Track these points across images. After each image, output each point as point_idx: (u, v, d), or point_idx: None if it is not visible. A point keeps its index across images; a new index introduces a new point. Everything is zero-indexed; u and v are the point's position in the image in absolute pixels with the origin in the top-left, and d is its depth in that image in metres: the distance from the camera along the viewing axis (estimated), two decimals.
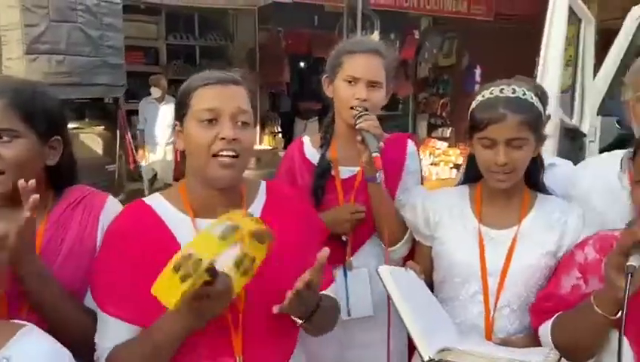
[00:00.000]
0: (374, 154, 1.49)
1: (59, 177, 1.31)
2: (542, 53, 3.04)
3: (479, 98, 1.41)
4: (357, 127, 1.55)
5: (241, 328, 1.19)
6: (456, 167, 9.00)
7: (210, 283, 1.00)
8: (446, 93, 9.30)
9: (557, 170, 2.00)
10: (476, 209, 1.47)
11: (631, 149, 1.61)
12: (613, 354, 1.17)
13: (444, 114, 9.35)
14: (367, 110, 1.58)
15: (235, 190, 1.28)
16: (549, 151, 2.21)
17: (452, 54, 8.59)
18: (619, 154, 1.70)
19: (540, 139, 1.42)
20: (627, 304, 1.10)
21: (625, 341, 1.16)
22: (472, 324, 1.43)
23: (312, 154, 1.78)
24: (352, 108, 1.60)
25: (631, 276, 1.03)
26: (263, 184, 1.38)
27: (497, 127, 1.34)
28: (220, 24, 8.08)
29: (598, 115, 3.51)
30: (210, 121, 1.19)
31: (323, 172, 1.71)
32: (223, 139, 1.17)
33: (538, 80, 3.05)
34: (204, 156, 1.19)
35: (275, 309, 1.14)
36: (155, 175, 6.63)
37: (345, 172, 1.71)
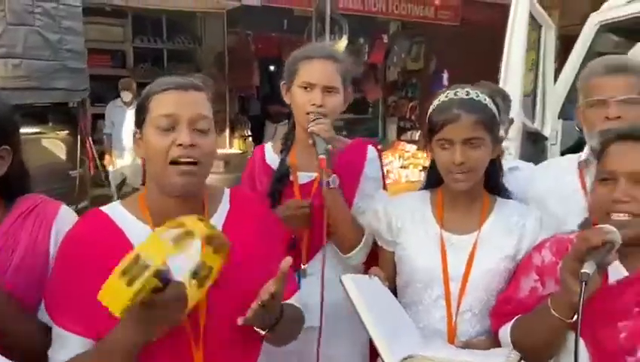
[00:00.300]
0: (320, 156, 1.50)
1: (8, 187, 1.27)
2: (504, 58, 3.11)
3: (435, 102, 1.45)
4: (308, 130, 1.57)
5: (202, 340, 1.16)
6: (426, 169, 9.12)
7: (161, 289, 0.96)
8: (415, 97, 9.41)
9: (519, 173, 2.04)
10: (438, 214, 1.49)
11: (587, 152, 1.66)
12: (571, 355, 1.18)
13: (413, 117, 9.44)
14: (325, 116, 1.59)
15: (196, 198, 1.25)
16: (511, 155, 2.25)
17: (420, 58, 8.70)
18: (575, 157, 1.75)
19: (497, 140, 1.44)
20: (582, 308, 1.14)
21: (581, 342, 1.19)
22: (434, 329, 1.44)
23: (273, 159, 1.79)
24: (308, 113, 1.61)
25: (586, 283, 1.05)
26: (227, 192, 1.35)
27: (453, 127, 1.37)
28: (188, 27, 7.99)
29: (558, 118, 3.60)
30: (166, 127, 1.17)
31: (281, 177, 1.71)
32: (180, 145, 1.15)
33: (501, 84, 3.12)
34: (162, 163, 1.16)
35: (240, 321, 1.12)
36: (125, 180, 6.50)
37: (303, 177, 1.71)
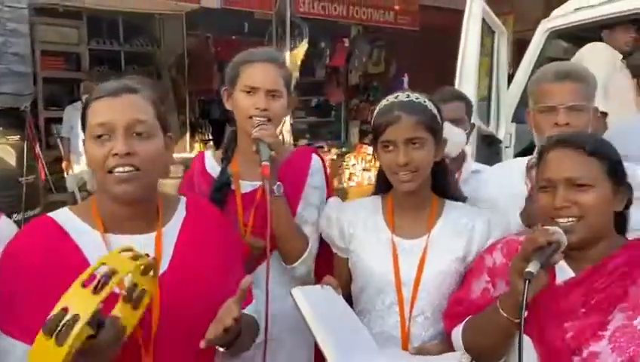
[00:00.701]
0: (264, 163, 1.47)
1: None
2: (458, 63, 3.17)
3: (378, 107, 1.47)
4: (252, 136, 1.53)
5: (153, 349, 1.14)
6: None
7: (95, 335, 0.93)
8: (376, 100, 9.42)
9: (481, 176, 2.09)
10: (388, 219, 1.50)
11: (535, 156, 1.71)
12: None
13: None
14: (269, 120, 1.56)
15: (148, 205, 1.23)
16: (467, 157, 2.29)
17: (381, 62, 8.79)
18: (524, 160, 1.80)
19: (439, 142, 1.46)
20: (528, 306, 1.17)
21: (529, 341, 1.22)
22: (389, 335, 1.45)
23: (213, 167, 1.73)
24: (251, 117, 1.57)
25: (529, 282, 1.07)
26: (183, 200, 1.33)
27: (394, 129, 1.39)
28: (145, 29, 7.83)
29: (512, 121, 3.70)
30: (102, 136, 1.14)
31: (221, 185, 1.65)
32: (116, 154, 1.12)
33: (456, 84, 3.19)
34: (101, 173, 1.14)
35: (202, 344, 1.09)
36: (85, 184, 6.31)
37: (246, 186, 1.66)
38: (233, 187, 1.66)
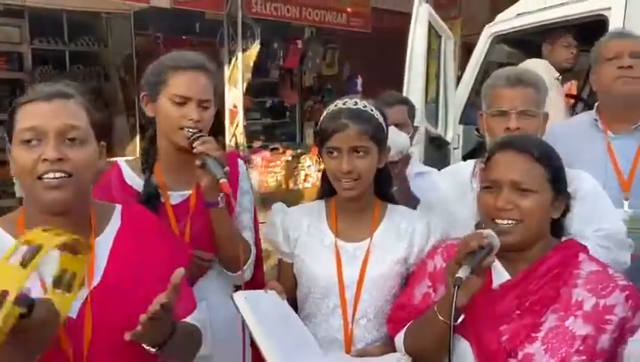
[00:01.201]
0: (222, 180, 1.41)
1: None
2: (406, 67, 3.22)
3: (325, 112, 1.48)
4: (195, 150, 1.45)
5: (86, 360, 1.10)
6: None
7: (27, 314, 0.89)
8: (330, 102, 9.50)
9: (427, 177, 2.13)
10: (332, 224, 1.51)
11: (483, 158, 1.76)
12: (458, 358, 1.24)
13: None
14: (200, 131, 1.50)
15: (79, 214, 1.18)
16: (415, 159, 2.33)
17: (334, 64, 8.84)
18: (472, 162, 1.84)
19: (383, 150, 1.48)
20: (466, 310, 1.19)
21: (467, 345, 1.24)
22: (333, 338, 1.45)
23: (133, 178, 1.61)
24: (182, 129, 1.49)
25: (458, 287, 1.09)
26: (118, 208, 1.29)
27: (340, 136, 1.40)
28: (92, 28, 7.56)
29: (460, 123, 3.78)
30: (31, 141, 1.09)
31: (149, 198, 1.55)
32: (46, 160, 1.08)
33: (404, 92, 3.23)
34: (29, 180, 1.09)
35: (127, 336, 1.07)
36: None
37: (175, 197, 1.59)
38: (162, 199, 1.58)
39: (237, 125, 6.14)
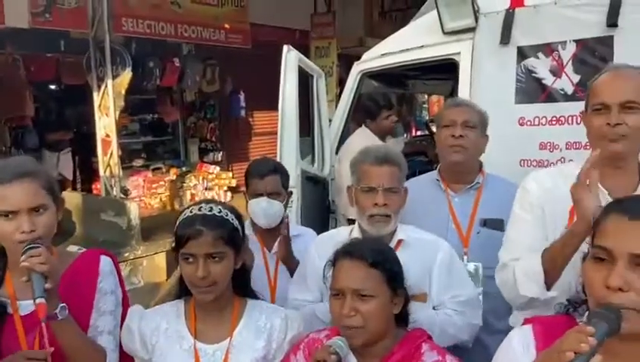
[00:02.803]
0: (38, 301, 1.30)
1: None
2: (279, 107, 3.25)
3: (181, 216, 1.46)
4: (21, 265, 1.35)
5: None
6: (231, 189, 9.22)
7: None
8: (214, 118, 9.38)
9: (300, 239, 2.18)
10: (191, 325, 1.49)
11: (357, 231, 1.86)
12: None
13: (214, 138, 9.43)
14: (35, 241, 1.39)
15: None
16: (291, 222, 2.36)
17: (215, 80, 8.69)
18: (349, 229, 1.94)
19: (240, 252, 1.49)
20: None
21: None
22: None
23: None
24: (21, 242, 1.39)
25: None
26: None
27: (195, 243, 1.40)
28: None
29: (336, 154, 3.92)
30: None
31: None
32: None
33: (279, 131, 3.27)
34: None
35: None
36: None
37: (25, 307, 1.48)
38: (10, 310, 1.47)
39: (111, 155, 5.80)
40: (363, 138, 3.58)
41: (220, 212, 1.45)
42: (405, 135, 4.57)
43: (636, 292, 0.94)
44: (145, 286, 5.43)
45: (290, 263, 2.10)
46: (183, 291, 1.53)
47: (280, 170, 2.22)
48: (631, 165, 1.53)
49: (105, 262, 1.60)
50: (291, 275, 2.06)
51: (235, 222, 1.48)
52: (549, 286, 1.48)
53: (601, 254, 0.97)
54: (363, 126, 3.85)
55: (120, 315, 1.60)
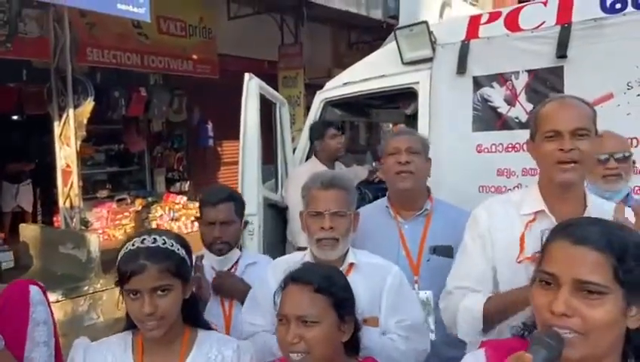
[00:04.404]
0: None
1: None
2: (241, 134, 3.24)
3: (123, 250, 1.39)
4: None
5: None
6: (197, 219, 9.08)
7: None
8: (181, 148, 9.30)
9: (256, 267, 2.13)
10: (138, 359, 1.42)
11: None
12: None
13: (181, 168, 9.32)
14: None
15: None
16: (246, 251, 2.33)
17: (183, 110, 8.65)
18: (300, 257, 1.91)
19: (187, 281, 1.44)
20: None
21: None
22: None
23: None
24: None
25: None
26: None
27: (140, 278, 1.33)
28: None
29: None
30: None
31: None
32: None
33: (240, 158, 3.24)
34: None
35: None
36: None
37: None
38: None
39: (71, 185, 5.64)
40: (309, 166, 3.52)
41: (164, 243, 1.39)
42: (374, 163, 4.59)
43: (581, 317, 0.92)
44: (104, 321, 5.23)
45: (235, 295, 2.06)
46: (130, 324, 1.46)
47: (234, 198, 2.17)
48: (577, 192, 1.56)
49: (34, 291, 1.53)
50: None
51: (182, 252, 1.43)
52: (487, 330, 1.50)
53: (547, 279, 0.97)
54: (313, 156, 3.75)
55: (54, 346, 1.52)
